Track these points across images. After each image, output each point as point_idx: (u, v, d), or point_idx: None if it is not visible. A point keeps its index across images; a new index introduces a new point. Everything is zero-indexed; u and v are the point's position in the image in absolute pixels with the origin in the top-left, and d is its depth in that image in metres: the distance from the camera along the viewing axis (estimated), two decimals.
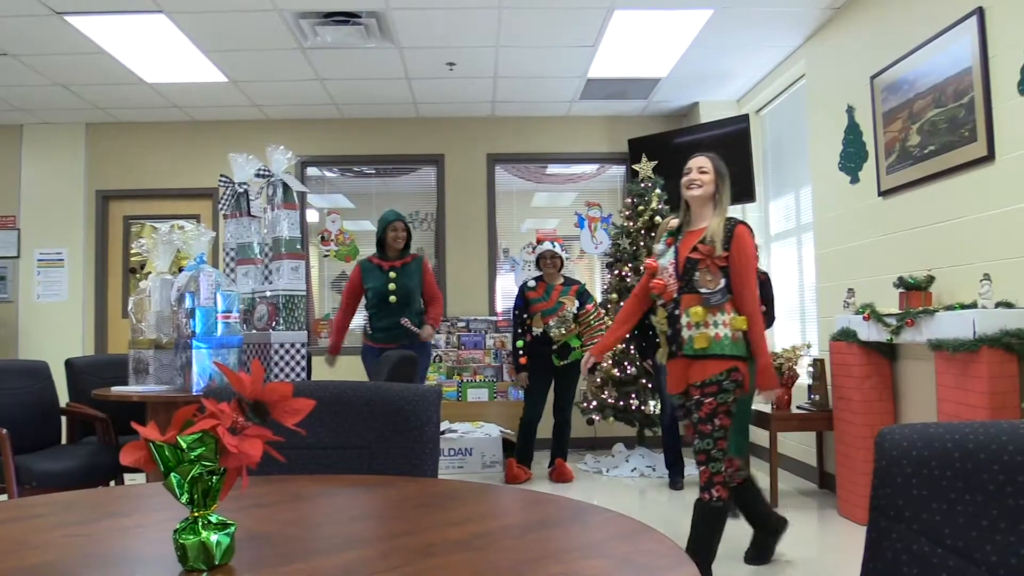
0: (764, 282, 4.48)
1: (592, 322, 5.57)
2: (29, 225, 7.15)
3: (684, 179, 3.32)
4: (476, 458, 5.98)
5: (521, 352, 5.60)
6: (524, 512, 1.35)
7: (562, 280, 5.64)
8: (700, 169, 3.32)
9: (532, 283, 5.64)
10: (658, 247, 3.38)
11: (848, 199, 4.88)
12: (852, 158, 4.83)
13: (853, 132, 4.81)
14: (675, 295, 3.21)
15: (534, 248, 7.21)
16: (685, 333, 3.17)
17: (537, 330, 5.53)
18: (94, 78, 6.03)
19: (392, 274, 5.14)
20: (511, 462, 5.60)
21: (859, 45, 4.76)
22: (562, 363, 5.52)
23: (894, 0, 4.37)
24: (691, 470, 5.74)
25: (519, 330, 5.63)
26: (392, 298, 5.09)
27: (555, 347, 5.50)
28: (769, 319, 4.52)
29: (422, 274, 5.25)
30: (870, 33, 4.63)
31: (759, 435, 5.57)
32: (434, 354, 6.83)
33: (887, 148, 4.42)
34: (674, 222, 3.37)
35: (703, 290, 3.15)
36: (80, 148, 7.21)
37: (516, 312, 5.68)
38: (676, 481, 5.37)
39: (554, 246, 5.60)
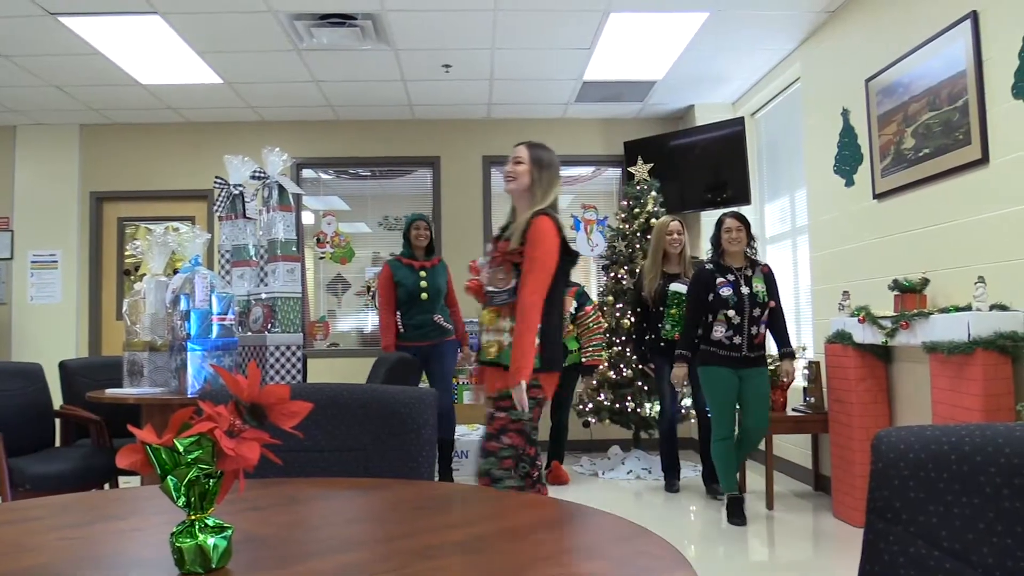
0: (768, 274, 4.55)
1: (590, 324, 5.57)
2: (22, 227, 7.12)
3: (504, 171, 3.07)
4: (473, 461, 5.96)
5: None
6: (521, 514, 1.35)
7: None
8: (515, 159, 3.06)
9: None
10: (490, 247, 3.15)
11: (843, 202, 4.89)
12: (847, 161, 4.84)
13: (848, 135, 4.82)
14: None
15: None
16: (483, 337, 2.98)
17: None
18: (88, 79, 6.02)
19: (423, 273, 5.32)
20: (557, 464, 5.65)
21: (854, 48, 4.77)
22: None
23: (889, 3, 4.39)
24: (687, 472, 5.75)
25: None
26: (424, 295, 5.26)
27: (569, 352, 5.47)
28: (779, 316, 4.54)
29: (447, 278, 5.47)
30: (865, 36, 4.65)
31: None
32: None
33: (882, 151, 4.43)
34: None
35: (490, 289, 2.95)
36: (74, 149, 7.19)
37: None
38: (672, 484, 5.36)
39: None
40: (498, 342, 2.88)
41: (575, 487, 5.53)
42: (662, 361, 5.18)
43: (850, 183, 4.82)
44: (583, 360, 5.64)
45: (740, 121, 6.47)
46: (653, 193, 6.23)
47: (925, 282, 3.88)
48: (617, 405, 5.93)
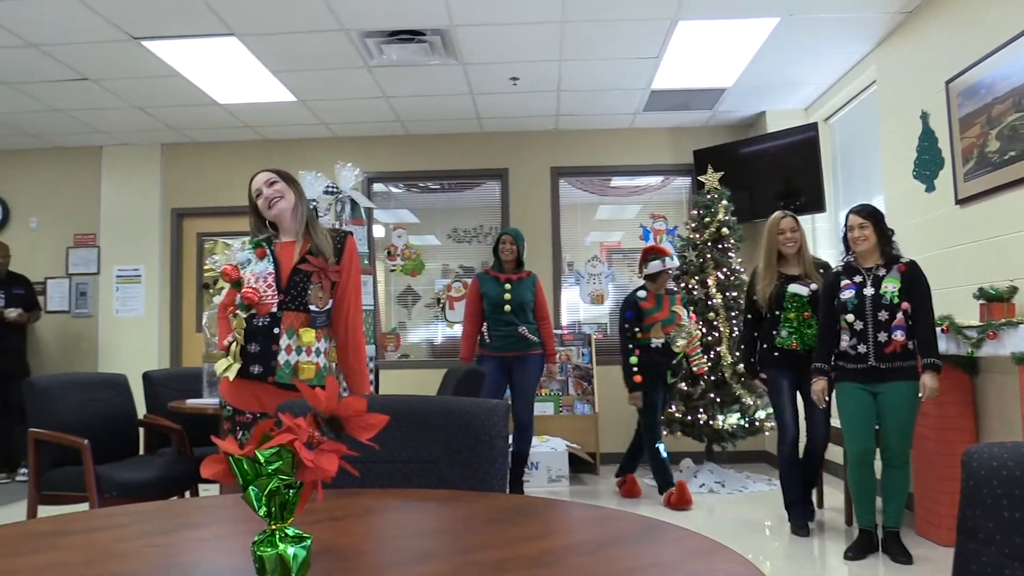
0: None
1: (693, 331, 5.48)
2: (108, 243, 7.42)
3: (260, 200, 2.89)
4: (543, 472, 5.96)
5: (635, 369, 5.30)
6: (594, 529, 1.34)
7: (665, 290, 5.46)
8: (269, 183, 2.89)
9: (642, 293, 5.40)
10: (240, 255, 2.93)
11: (923, 208, 4.74)
12: (927, 165, 4.69)
13: (928, 139, 4.67)
14: (274, 310, 2.78)
15: (595, 262, 7.21)
16: (282, 357, 2.76)
17: (657, 341, 5.30)
18: (169, 100, 6.25)
19: (508, 285, 5.38)
20: (682, 484, 5.29)
21: (932, 50, 4.62)
22: (673, 380, 5.42)
23: (969, 3, 4.24)
24: (760, 485, 5.63)
25: (630, 345, 5.34)
26: (507, 307, 5.31)
27: (675, 362, 5.36)
28: (921, 320, 3.88)
29: (535, 291, 5.47)
30: (944, 37, 4.50)
31: (832, 452, 5.42)
32: None
33: (964, 154, 4.28)
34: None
35: (314, 308, 2.80)
36: (156, 168, 7.46)
37: (627, 325, 5.36)
38: (799, 524, 4.48)
39: (674, 259, 5.45)
40: (315, 364, 2.78)
41: (646, 501, 5.46)
42: (777, 373, 4.58)
43: (931, 188, 4.66)
44: (694, 369, 5.56)
45: (813, 127, 6.33)
46: (724, 202, 6.14)
47: (1013, 290, 3.72)
48: (689, 417, 5.84)
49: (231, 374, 2.78)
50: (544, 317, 5.52)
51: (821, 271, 4.53)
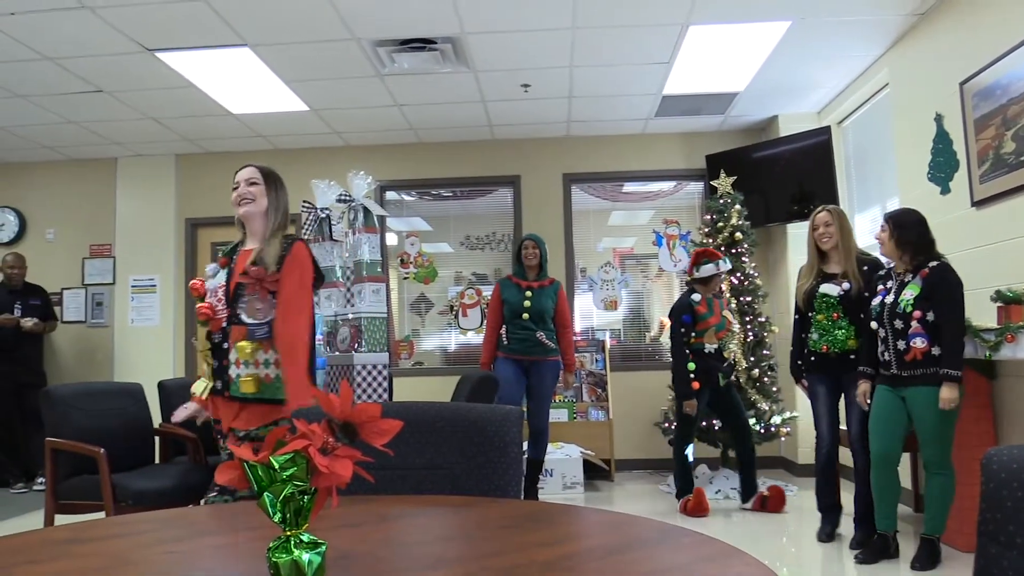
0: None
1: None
2: (123, 253, 7.47)
3: (233, 195, 2.88)
4: (557, 479, 5.94)
5: (692, 376, 5.12)
6: (609, 534, 1.33)
7: (713, 294, 5.31)
8: (249, 181, 2.86)
9: (696, 297, 5.21)
10: (209, 267, 2.93)
11: (939, 210, 4.69)
12: (942, 168, 4.66)
13: (942, 141, 4.64)
14: (224, 324, 2.78)
15: (608, 268, 7.19)
16: (232, 371, 2.74)
17: (711, 347, 5.16)
18: (183, 111, 6.29)
19: (528, 292, 5.37)
20: (700, 491, 5.17)
21: (946, 51, 4.60)
22: (724, 382, 5.23)
23: (983, 3, 4.22)
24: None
25: (686, 351, 5.15)
26: (525, 315, 5.31)
27: (726, 364, 5.26)
28: (943, 329, 3.72)
29: (556, 299, 5.44)
30: (958, 38, 4.48)
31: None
32: None
33: (980, 156, 4.25)
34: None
35: (249, 321, 2.74)
36: (170, 178, 7.51)
37: (683, 330, 5.17)
38: (827, 529, 4.41)
39: (726, 262, 5.28)
40: (256, 377, 2.71)
41: (660, 507, 5.43)
42: (813, 379, 4.40)
43: (946, 191, 4.63)
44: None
45: (826, 130, 6.31)
46: (737, 206, 6.12)
47: None
48: (704, 423, 5.81)
49: (202, 393, 2.81)
50: (565, 326, 5.48)
51: (865, 268, 4.27)
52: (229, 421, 2.77)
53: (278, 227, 2.87)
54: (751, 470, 5.26)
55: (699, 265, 5.25)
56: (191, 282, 2.94)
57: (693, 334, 5.16)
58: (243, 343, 2.72)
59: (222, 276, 2.84)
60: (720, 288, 5.38)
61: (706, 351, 5.16)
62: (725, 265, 5.28)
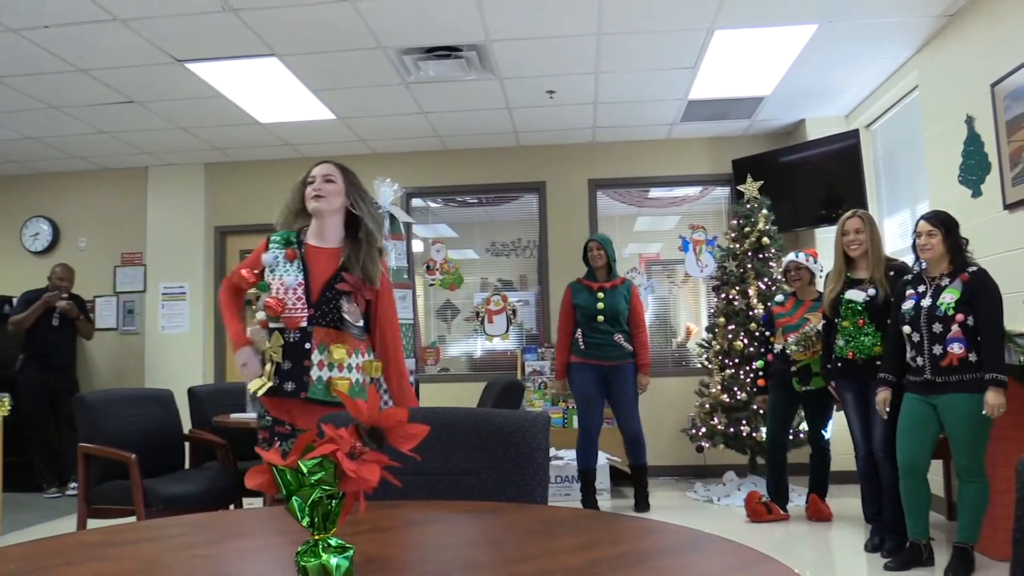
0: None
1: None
2: (154, 261, 7.57)
3: (308, 188, 2.80)
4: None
5: (760, 374, 5.25)
6: (638, 541, 1.33)
7: (816, 296, 5.04)
8: (325, 178, 2.78)
9: (781, 298, 5.20)
10: (268, 256, 2.84)
11: (971, 213, 4.63)
12: (973, 170, 4.59)
13: (973, 143, 4.58)
14: (304, 324, 2.70)
15: (634, 273, 7.17)
16: (315, 373, 2.68)
17: (778, 347, 5.07)
18: (212, 120, 6.37)
19: (600, 294, 5.35)
20: (753, 495, 5.11)
21: (977, 52, 4.54)
22: (803, 388, 4.95)
23: (1014, 5, 4.16)
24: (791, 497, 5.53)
25: (762, 349, 5.27)
26: (600, 317, 5.29)
27: (794, 369, 4.92)
28: (984, 333, 3.66)
29: (630, 298, 5.42)
30: (988, 39, 4.42)
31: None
32: (539, 380, 6.85)
33: (1012, 158, 4.19)
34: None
35: (355, 327, 2.74)
36: (200, 187, 7.61)
37: (761, 330, 5.37)
38: (875, 544, 4.22)
39: (797, 256, 5.12)
40: (348, 380, 2.70)
41: (689, 513, 5.39)
42: (841, 386, 4.39)
43: (977, 194, 4.57)
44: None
45: (854, 134, 6.24)
46: (764, 211, 6.07)
47: None
48: (731, 429, 5.77)
49: (260, 391, 2.74)
50: (638, 325, 5.43)
51: (891, 273, 4.22)
52: (307, 424, 2.65)
53: (366, 233, 2.81)
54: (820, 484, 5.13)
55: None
56: (243, 272, 2.91)
57: (769, 334, 5.20)
58: (340, 346, 2.69)
59: (296, 274, 2.75)
60: (811, 285, 5.13)
61: (774, 351, 5.12)
62: (797, 257, 5.11)
